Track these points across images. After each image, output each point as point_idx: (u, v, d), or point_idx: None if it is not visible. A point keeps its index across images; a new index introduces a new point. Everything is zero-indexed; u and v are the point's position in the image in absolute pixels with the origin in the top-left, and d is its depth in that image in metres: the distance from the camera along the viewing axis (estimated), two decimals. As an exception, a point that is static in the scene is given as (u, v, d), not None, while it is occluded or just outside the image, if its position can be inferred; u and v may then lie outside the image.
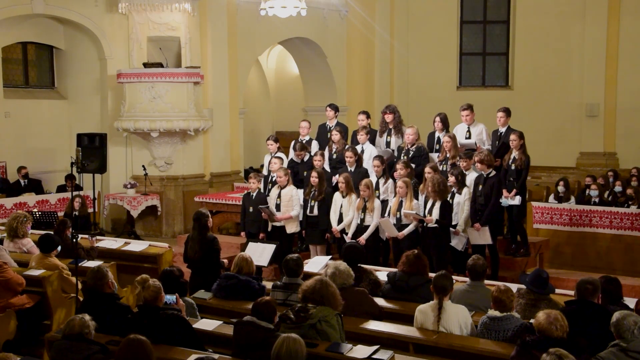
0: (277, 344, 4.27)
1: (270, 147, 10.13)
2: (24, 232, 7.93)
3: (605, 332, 4.83)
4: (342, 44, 16.07)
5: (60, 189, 12.46)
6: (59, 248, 7.44)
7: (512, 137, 8.95)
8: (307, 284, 5.26)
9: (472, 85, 17.30)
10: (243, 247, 8.26)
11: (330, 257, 8.01)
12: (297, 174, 9.76)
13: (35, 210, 10.96)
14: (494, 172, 8.58)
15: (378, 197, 8.89)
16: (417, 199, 8.52)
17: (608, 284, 5.60)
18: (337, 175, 9.26)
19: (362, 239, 8.49)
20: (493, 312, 5.21)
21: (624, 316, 4.57)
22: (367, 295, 5.99)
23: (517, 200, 8.93)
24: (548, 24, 16.25)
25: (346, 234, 8.72)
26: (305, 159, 9.89)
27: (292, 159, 10.08)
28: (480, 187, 8.52)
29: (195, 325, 5.41)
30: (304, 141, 10.18)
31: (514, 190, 8.91)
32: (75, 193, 10.65)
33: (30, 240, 7.98)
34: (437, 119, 9.75)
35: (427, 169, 8.60)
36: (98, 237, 8.93)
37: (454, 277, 7.04)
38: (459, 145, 9.27)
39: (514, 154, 8.96)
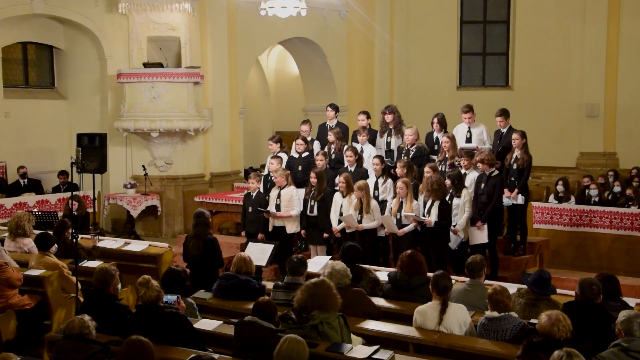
0: (279, 345, 4.27)
1: (271, 148, 10.16)
2: (30, 230, 7.94)
3: (606, 332, 4.83)
4: (342, 44, 16.06)
5: (56, 189, 12.46)
6: (56, 245, 7.44)
7: (514, 136, 8.93)
8: (298, 296, 5.13)
9: (472, 85, 17.29)
10: (243, 247, 8.26)
11: (330, 257, 8.02)
12: (292, 168, 9.78)
13: (35, 210, 10.95)
14: (496, 172, 8.59)
15: (377, 198, 8.90)
16: (417, 199, 8.53)
17: (606, 282, 5.61)
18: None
19: (361, 225, 8.53)
20: (491, 313, 5.21)
21: (637, 315, 4.61)
22: (365, 295, 5.99)
23: (520, 200, 8.91)
24: (548, 24, 16.25)
25: (345, 232, 8.73)
26: (304, 155, 9.91)
27: (291, 155, 10.11)
28: (483, 185, 8.53)
29: (195, 325, 5.40)
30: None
31: (516, 190, 8.89)
32: (75, 193, 10.65)
33: (32, 240, 7.97)
34: (435, 119, 9.75)
35: (426, 169, 8.61)
36: (99, 237, 8.93)
37: (452, 277, 7.05)
38: (459, 148, 9.27)
39: (516, 153, 8.94)
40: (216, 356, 4.72)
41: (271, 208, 9.16)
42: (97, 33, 12.63)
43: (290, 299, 5.69)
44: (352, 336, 5.18)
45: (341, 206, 8.79)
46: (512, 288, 5.92)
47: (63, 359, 4.68)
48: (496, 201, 8.50)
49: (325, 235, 9.04)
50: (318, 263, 7.47)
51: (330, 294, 5.12)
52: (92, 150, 11.15)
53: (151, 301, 5.18)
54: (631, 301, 6.02)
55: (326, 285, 5.17)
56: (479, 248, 8.35)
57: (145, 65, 12.33)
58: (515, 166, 8.95)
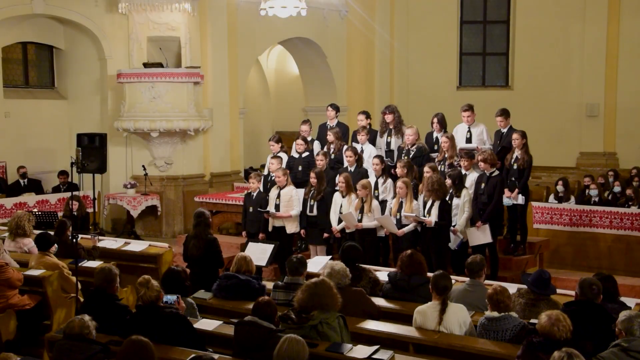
0: (279, 345, 4.27)
1: (272, 148, 10.17)
2: (30, 230, 7.94)
3: (606, 331, 4.83)
4: (342, 44, 16.07)
5: (56, 189, 12.46)
6: (56, 245, 7.45)
7: (515, 136, 8.93)
8: (298, 296, 5.15)
9: (472, 85, 17.30)
10: (243, 247, 8.27)
11: (330, 257, 8.02)
12: (292, 168, 9.79)
13: (35, 210, 10.95)
14: (497, 172, 8.58)
15: (377, 198, 8.90)
16: (417, 199, 8.53)
17: (605, 281, 5.61)
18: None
19: (361, 224, 8.53)
20: (491, 313, 5.21)
21: (637, 314, 4.62)
22: (365, 295, 5.99)
23: (520, 200, 8.92)
24: (548, 24, 16.25)
25: (345, 232, 8.73)
26: (304, 155, 9.92)
27: (291, 155, 10.12)
28: (483, 185, 8.52)
29: (195, 325, 5.40)
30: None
31: (516, 190, 8.89)
32: (75, 194, 10.64)
33: (32, 240, 7.97)
34: (435, 119, 9.76)
35: (426, 169, 8.61)
36: (99, 237, 8.93)
37: (452, 277, 7.06)
38: (459, 149, 9.26)
39: (517, 153, 8.94)
40: (216, 356, 4.72)
41: (271, 208, 9.17)
42: (97, 33, 12.63)
43: (290, 299, 5.68)
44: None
45: (341, 206, 8.79)
46: (512, 288, 5.92)
47: (63, 359, 4.68)
48: (496, 201, 8.51)
49: (325, 235, 9.04)
50: (318, 263, 7.47)
51: (330, 294, 5.12)
52: (92, 150, 11.17)
53: (151, 301, 5.18)
54: (631, 301, 6.02)
55: (326, 285, 5.17)
56: (479, 248, 8.35)
57: (145, 65, 12.33)
58: (515, 166, 8.95)
